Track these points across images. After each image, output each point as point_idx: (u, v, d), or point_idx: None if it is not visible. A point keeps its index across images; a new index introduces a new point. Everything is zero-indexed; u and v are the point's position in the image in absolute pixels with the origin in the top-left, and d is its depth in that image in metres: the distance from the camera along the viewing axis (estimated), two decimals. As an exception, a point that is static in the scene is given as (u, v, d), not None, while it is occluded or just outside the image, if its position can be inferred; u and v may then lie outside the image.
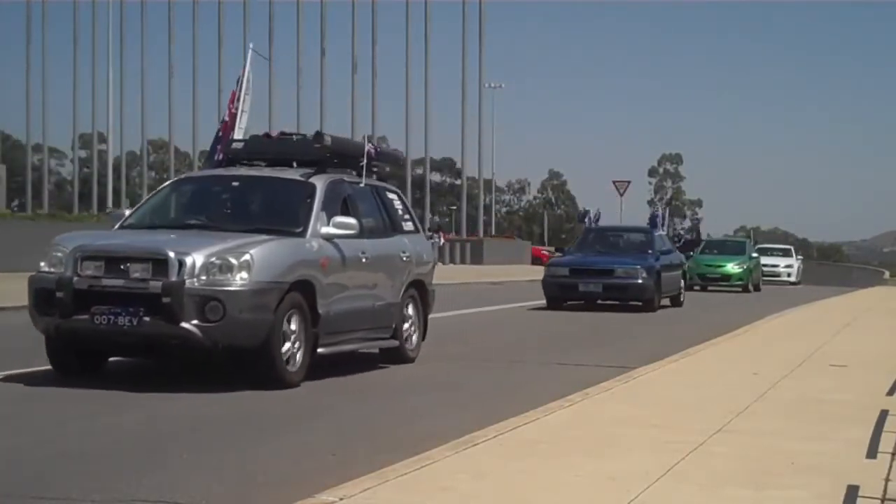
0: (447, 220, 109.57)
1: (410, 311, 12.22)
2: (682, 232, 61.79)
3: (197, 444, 7.32)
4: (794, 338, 15.81)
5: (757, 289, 37.58)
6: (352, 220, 10.74)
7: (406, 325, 12.10)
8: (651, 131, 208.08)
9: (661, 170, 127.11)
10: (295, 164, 11.57)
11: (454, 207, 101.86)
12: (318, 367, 10.67)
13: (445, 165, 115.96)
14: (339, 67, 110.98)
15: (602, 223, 27.62)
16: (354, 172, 11.88)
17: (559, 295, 23.00)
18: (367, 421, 8.53)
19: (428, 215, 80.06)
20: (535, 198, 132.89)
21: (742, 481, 6.08)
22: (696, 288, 35.15)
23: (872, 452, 7.01)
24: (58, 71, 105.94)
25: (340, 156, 11.72)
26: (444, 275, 44.17)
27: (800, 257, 51.26)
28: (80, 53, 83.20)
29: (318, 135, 11.60)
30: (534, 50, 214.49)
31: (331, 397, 9.71)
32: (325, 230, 10.59)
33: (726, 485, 5.98)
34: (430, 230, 69.18)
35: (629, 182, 51.13)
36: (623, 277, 22.62)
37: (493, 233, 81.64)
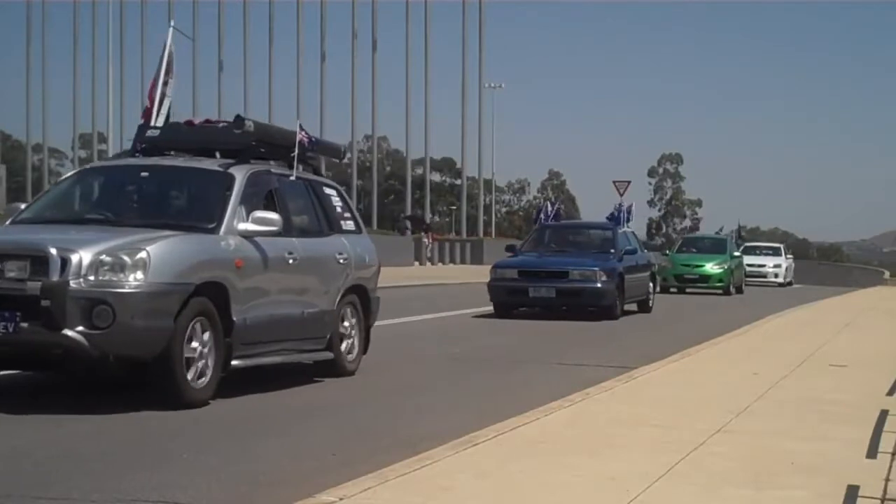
0: (447, 219, 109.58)
1: (349, 319, 11.05)
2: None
3: (197, 444, 7.32)
4: (794, 338, 15.81)
5: (739, 290, 34.79)
6: (274, 216, 9.50)
7: (343, 335, 10.91)
8: (651, 131, 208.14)
9: (660, 170, 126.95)
10: (219, 155, 10.30)
11: (454, 207, 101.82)
12: (321, 370, 10.66)
13: (445, 165, 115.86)
14: (339, 68, 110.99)
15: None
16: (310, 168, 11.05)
17: (507, 301, 20.25)
18: (367, 421, 8.53)
19: (428, 214, 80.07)
20: (534, 198, 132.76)
21: (742, 481, 6.08)
22: (673, 290, 33.26)
23: (872, 452, 7.02)
24: (58, 71, 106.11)
25: (268, 145, 10.48)
26: (445, 274, 44.22)
27: (790, 256, 47.84)
28: (80, 53, 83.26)
29: (238, 119, 10.21)
30: (534, 50, 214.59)
31: (331, 398, 9.71)
32: (242, 226, 9.37)
33: (726, 485, 5.98)
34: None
35: (629, 182, 50.93)
36: (579, 281, 19.86)
37: (494, 233, 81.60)
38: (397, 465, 6.25)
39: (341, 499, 5.42)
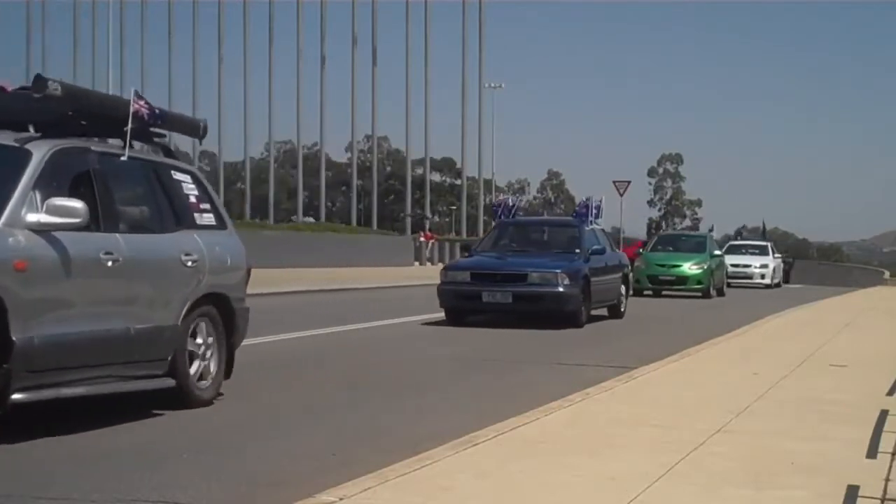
0: (447, 219, 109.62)
1: (202, 336, 8.87)
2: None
3: (197, 444, 7.32)
4: (794, 338, 15.82)
5: (720, 293, 32.22)
6: (76, 205, 7.38)
7: (193, 356, 8.77)
8: (651, 131, 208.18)
9: (660, 170, 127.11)
10: (32, 129, 8.08)
11: (454, 207, 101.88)
12: (319, 368, 10.66)
13: (445, 165, 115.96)
14: (340, 68, 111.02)
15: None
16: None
17: (458, 306, 18.20)
18: (367, 421, 8.52)
19: (427, 214, 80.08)
20: (534, 198, 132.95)
21: (742, 481, 6.08)
22: (648, 293, 30.81)
23: (872, 452, 7.01)
24: (58, 71, 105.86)
25: (91, 116, 8.38)
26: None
27: (778, 256, 44.13)
28: (80, 53, 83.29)
29: (39, 80, 7.94)
30: (534, 50, 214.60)
31: (331, 398, 9.71)
32: (33, 218, 7.29)
33: (726, 485, 5.98)
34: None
35: (629, 182, 51.05)
36: (539, 284, 17.79)
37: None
38: (397, 465, 6.25)
39: (341, 499, 5.42)
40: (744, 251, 42.27)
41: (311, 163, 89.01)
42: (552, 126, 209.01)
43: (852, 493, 5.84)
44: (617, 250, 22.18)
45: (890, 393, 9.88)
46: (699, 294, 30.43)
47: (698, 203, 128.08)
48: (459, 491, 5.68)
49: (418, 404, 9.45)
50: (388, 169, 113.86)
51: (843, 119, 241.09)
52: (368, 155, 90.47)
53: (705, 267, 30.86)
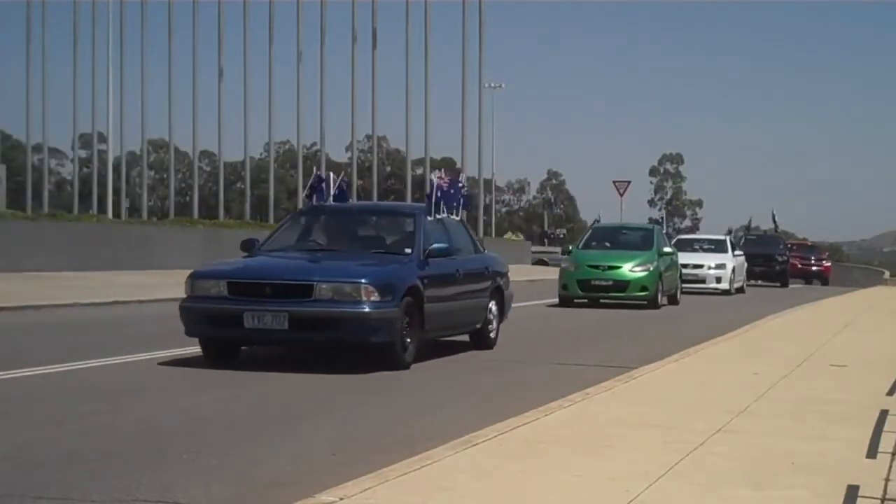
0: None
1: None
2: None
3: (197, 444, 7.33)
4: (794, 338, 15.81)
5: (673, 300, 25.51)
6: None
7: None
8: (651, 131, 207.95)
9: (661, 170, 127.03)
10: None
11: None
12: (320, 368, 10.67)
13: (445, 165, 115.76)
14: (339, 68, 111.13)
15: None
16: None
17: (209, 334, 11.69)
18: (367, 421, 8.53)
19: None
20: (534, 198, 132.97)
21: (742, 481, 6.08)
22: (581, 302, 24.17)
23: (872, 452, 7.02)
24: (58, 71, 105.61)
25: None
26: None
27: (738, 253, 33.94)
28: (80, 53, 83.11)
29: None
30: (534, 50, 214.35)
31: (330, 398, 9.71)
32: None
33: (726, 485, 5.99)
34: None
35: (629, 182, 51.06)
36: (330, 302, 11.32)
37: (493, 233, 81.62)
38: (397, 465, 6.26)
39: (341, 499, 5.42)
40: (695, 247, 33.79)
41: (310, 163, 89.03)
42: (552, 126, 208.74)
43: (852, 493, 5.84)
44: (488, 252, 15.50)
45: (890, 393, 9.89)
46: (644, 302, 23.79)
47: (699, 203, 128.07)
48: (459, 491, 5.69)
49: (418, 404, 9.45)
50: (388, 169, 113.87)
51: (844, 119, 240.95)
52: (368, 155, 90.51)
53: (651, 268, 24.00)
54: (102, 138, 77.53)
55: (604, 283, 23.99)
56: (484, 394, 10.18)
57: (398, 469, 6.11)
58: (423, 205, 13.94)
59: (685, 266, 28.78)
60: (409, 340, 11.75)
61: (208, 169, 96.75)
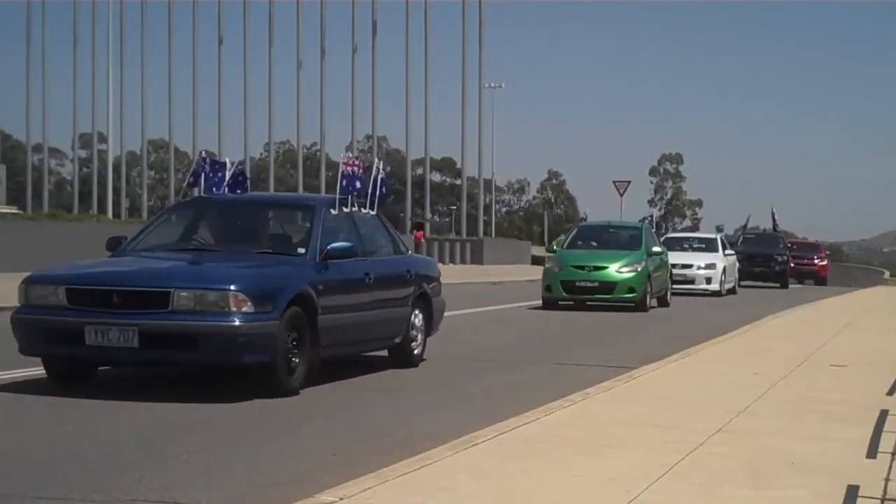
0: (447, 219, 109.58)
1: None
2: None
3: (197, 444, 7.33)
4: (794, 338, 15.81)
5: (663, 302, 24.59)
6: None
7: None
8: (651, 131, 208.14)
9: (661, 170, 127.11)
10: None
11: (454, 207, 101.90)
12: (320, 368, 10.65)
13: (445, 165, 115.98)
14: (339, 68, 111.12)
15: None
16: None
17: (45, 351, 9.70)
18: (367, 421, 8.53)
19: (428, 215, 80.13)
20: (534, 198, 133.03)
21: (742, 481, 6.08)
22: (566, 304, 23.00)
23: (872, 452, 7.02)
24: (58, 71, 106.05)
25: None
26: (444, 274, 44.07)
27: (730, 253, 32.59)
28: (80, 53, 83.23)
29: None
30: (534, 50, 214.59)
31: (330, 398, 9.71)
32: None
33: (726, 485, 5.99)
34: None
35: (629, 182, 51.02)
36: (191, 315, 9.22)
37: (493, 233, 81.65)
38: (397, 465, 6.26)
39: (341, 499, 5.42)
40: (684, 246, 32.37)
41: (310, 163, 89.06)
42: (552, 126, 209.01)
43: (852, 493, 5.84)
44: (412, 253, 13.24)
45: (890, 393, 9.89)
46: (632, 304, 22.62)
47: (699, 203, 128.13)
48: (459, 491, 5.69)
49: (418, 404, 9.45)
50: (388, 169, 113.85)
51: (844, 119, 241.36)
52: (368, 155, 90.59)
53: (640, 269, 22.88)
54: (102, 138, 77.59)
55: (589, 284, 22.81)
56: (484, 394, 10.18)
57: (398, 469, 6.11)
58: (331, 196, 11.61)
59: (673, 266, 27.25)
60: (296, 361, 9.59)
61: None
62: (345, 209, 11.29)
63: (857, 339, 16.03)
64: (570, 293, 22.82)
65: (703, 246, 32.31)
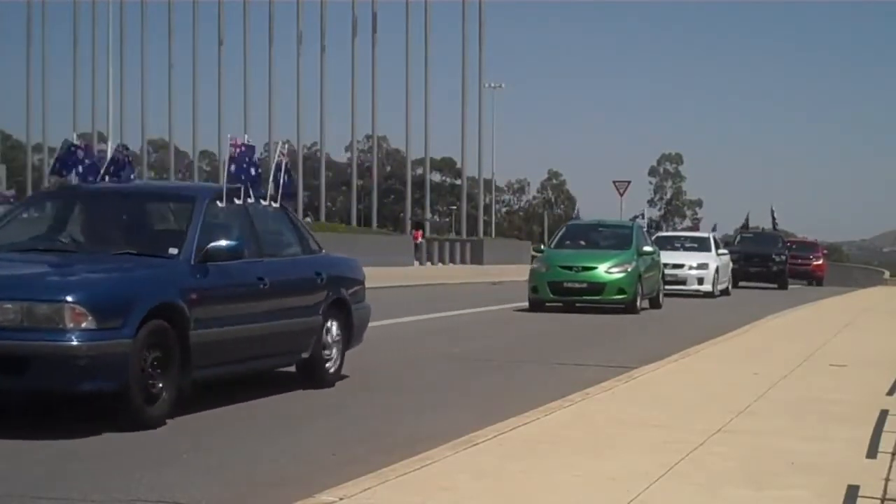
0: (447, 219, 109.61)
1: None
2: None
3: (197, 444, 7.33)
4: (794, 338, 15.81)
5: (655, 304, 23.58)
6: None
7: None
8: (651, 131, 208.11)
9: (661, 170, 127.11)
10: None
11: (454, 207, 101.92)
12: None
13: (445, 165, 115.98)
14: (340, 68, 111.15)
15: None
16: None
17: None
18: (367, 421, 8.53)
19: (428, 215, 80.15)
20: (534, 198, 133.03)
21: (742, 481, 6.08)
22: (554, 306, 21.90)
23: (872, 452, 7.02)
24: (58, 71, 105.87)
25: None
26: (444, 274, 44.24)
27: (723, 252, 32.17)
28: (80, 53, 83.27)
29: None
30: (534, 50, 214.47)
31: (330, 398, 9.71)
32: None
33: (726, 485, 5.99)
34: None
35: (629, 182, 50.99)
36: (16, 332, 7.44)
37: (493, 233, 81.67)
38: (397, 465, 6.26)
39: (341, 499, 5.42)
40: (676, 245, 31.37)
41: (310, 163, 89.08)
42: (552, 126, 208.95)
43: (852, 493, 5.84)
44: (323, 251, 10.62)
45: (890, 393, 9.89)
46: (621, 306, 21.59)
47: (699, 203, 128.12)
48: (459, 491, 5.69)
49: (418, 404, 9.45)
50: (388, 169, 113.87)
51: (843, 119, 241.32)
52: (368, 155, 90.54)
53: (630, 269, 21.87)
54: (102, 138, 77.59)
55: (577, 285, 21.68)
56: (484, 394, 10.18)
57: (398, 469, 6.11)
58: (218, 186, 9.66)
59: (664, 266, 26.02)
60: (159, 386, 7.91)
61: (208, 169, 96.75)
62: (237, 201, 9.38)
63: (856, 339, 16.03)
64: (558, 294, 21.81)
65: (696, 245, 31.50)
